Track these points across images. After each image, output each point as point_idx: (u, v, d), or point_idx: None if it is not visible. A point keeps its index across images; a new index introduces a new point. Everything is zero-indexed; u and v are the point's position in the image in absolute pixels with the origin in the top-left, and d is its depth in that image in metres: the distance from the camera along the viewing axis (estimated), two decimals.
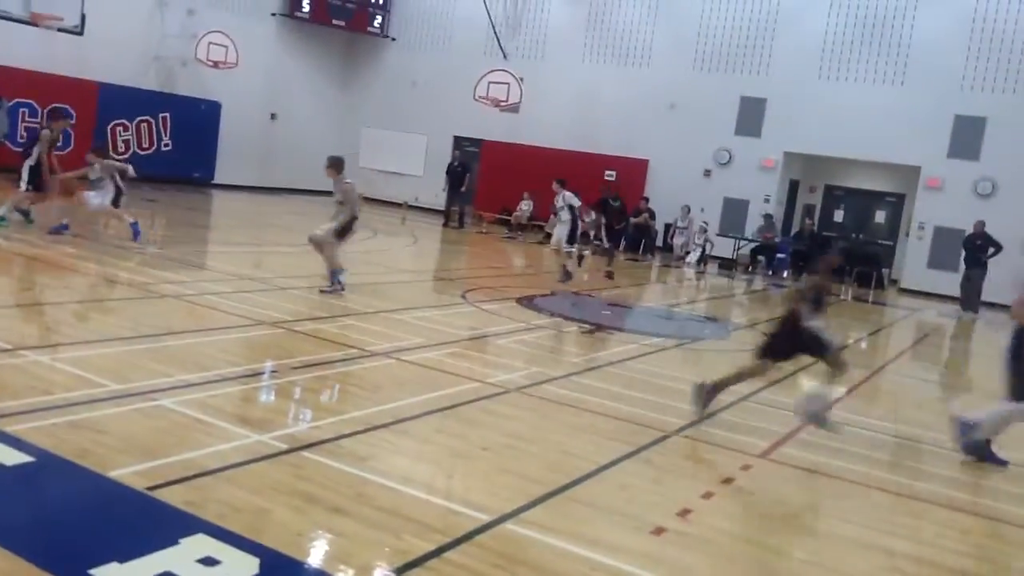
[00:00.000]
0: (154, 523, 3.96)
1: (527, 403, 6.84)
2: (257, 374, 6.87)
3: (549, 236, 22.00)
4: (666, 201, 22.25)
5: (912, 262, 20.77)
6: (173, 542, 3.72)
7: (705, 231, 21.75)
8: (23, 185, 12.43)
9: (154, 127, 22.88)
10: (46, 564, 3.44)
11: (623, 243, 20.56)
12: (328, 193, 11.55)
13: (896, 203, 22.88)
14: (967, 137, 19.84)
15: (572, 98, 24.14)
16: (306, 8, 25.61)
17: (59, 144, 13.82)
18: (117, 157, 16.05)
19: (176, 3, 22.75)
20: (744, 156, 22.25)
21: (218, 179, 24.49)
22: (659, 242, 22.64)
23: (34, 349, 6.45)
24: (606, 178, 22.23)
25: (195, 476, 4.47)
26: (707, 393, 6.90)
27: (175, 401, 5.63)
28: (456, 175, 23.38)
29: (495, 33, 25.15)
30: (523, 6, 25.41)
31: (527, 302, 11.89)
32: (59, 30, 18.55)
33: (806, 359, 7.06)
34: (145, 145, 22.65)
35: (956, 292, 18.37)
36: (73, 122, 17.05)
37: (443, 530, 4.23)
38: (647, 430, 6.43)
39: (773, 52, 21.92)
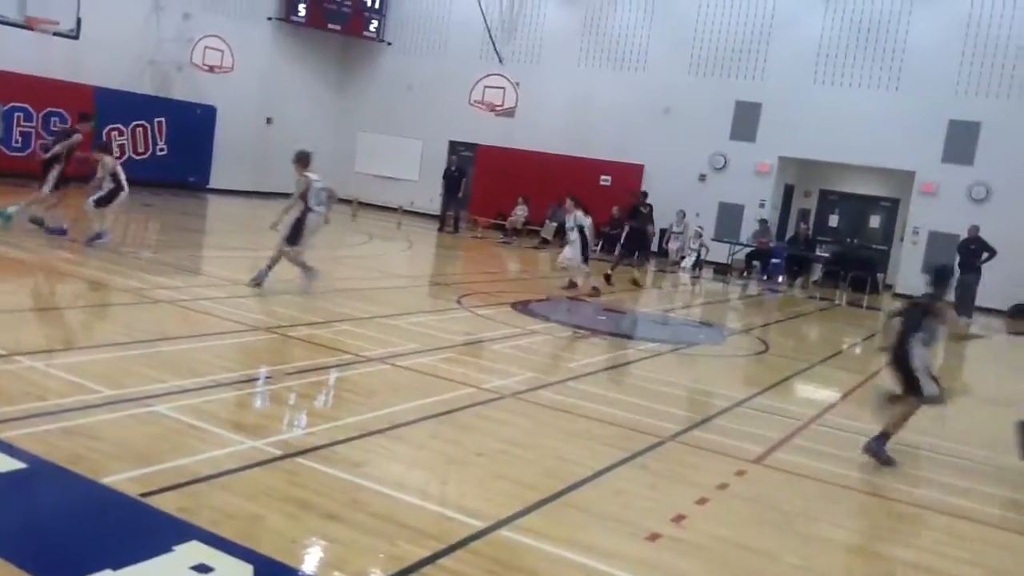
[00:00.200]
0: (147, 530, 3.95)
1: (522, 408, 6.84)
2: (251, 380, 6.87)
3: (545, 241, 22.22)
4: (661, 206, 22.23)
5: (906, 267, 20.80)
6: (167, 549, 3.71)
7: (700, 236, 21.78)
8: (47, 189, 12.17)
9: (150, 131, 22.84)
10: (39, 571, 3.43)
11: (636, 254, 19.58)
12: None
13: (891, 208, 22.92)
14: (961, 142, 19.89)
15: (567, 103, 24.15)
16: (302, 12, 25.59)
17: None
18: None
19: (172, 7, 22.72)
20: (739, 161, 22.27)
21: (213, 183, 24.46)
22: (654, 247, 22.63)
23: (28, 355, 6.42)
24: (637, 190, 21.38)
25: (189, 482, 4.46)
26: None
27: (169, 407, 5.62)
28: (453, 180, 23.36)
29: (491, 37, 25.17)
30: (519, 11, 25.43)
31: (522, 307, 11.89)
32: (55, 34, 18.49)
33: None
34: (140, 149, 22.61)
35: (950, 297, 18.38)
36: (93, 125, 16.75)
37: (438, 536, 4.22)
38: (642, 435, 6.43)
39: (768, 57, 21.96)
